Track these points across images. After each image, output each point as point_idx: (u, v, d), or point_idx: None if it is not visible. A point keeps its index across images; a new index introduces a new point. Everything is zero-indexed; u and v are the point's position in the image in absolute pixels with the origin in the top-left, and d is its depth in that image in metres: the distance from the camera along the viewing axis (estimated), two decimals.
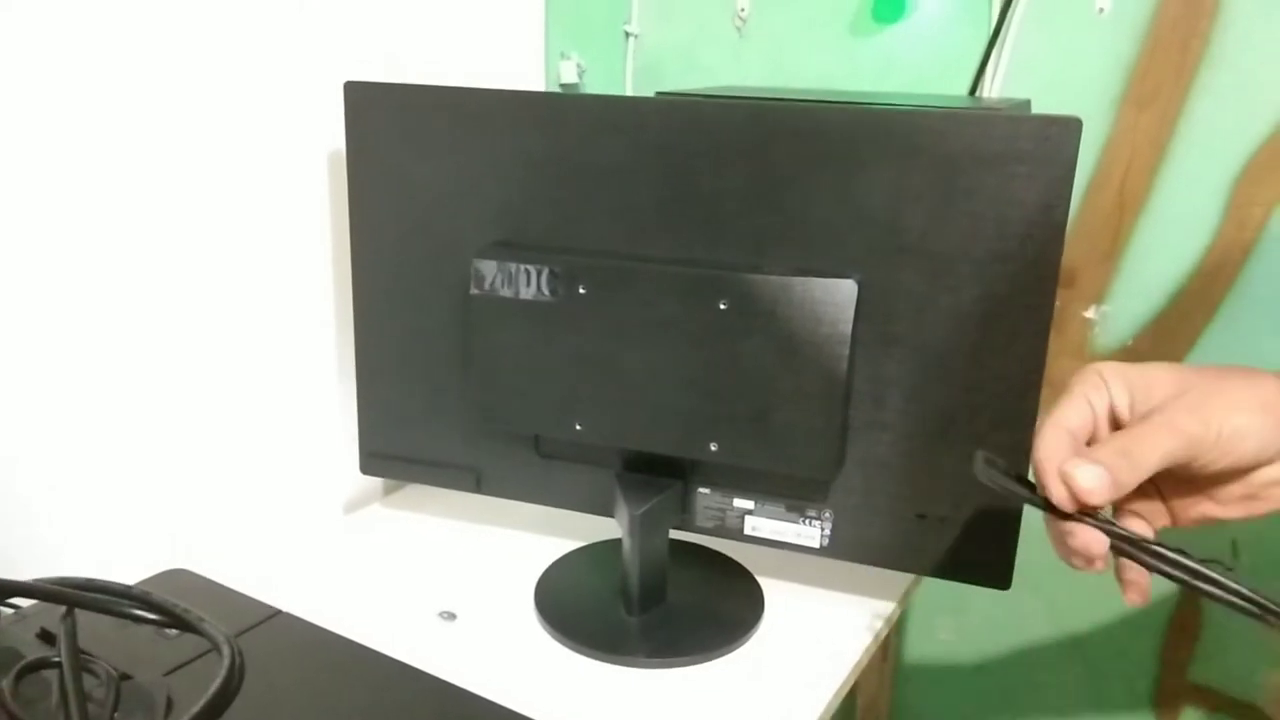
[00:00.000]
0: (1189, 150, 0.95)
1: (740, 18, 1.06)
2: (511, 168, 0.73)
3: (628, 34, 1.11)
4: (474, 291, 0.73)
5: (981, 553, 0.70)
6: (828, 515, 0.72)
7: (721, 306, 0.68)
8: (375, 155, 0.77)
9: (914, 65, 1.00)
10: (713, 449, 0.70)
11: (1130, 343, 1.01)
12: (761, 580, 0.82)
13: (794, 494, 0.73)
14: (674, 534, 0.77)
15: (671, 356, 0.69)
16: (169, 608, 0.45)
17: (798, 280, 0.66)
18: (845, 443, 0.70)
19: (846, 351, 0.66)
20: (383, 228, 0.78)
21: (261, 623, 0.55)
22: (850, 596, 0.80)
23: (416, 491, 0.97)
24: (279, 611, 0.57)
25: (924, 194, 0.65)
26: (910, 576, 0.83)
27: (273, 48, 0.79)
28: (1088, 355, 1.03)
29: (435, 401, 0.80)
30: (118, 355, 0.73)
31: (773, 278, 0.66)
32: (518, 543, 0.87)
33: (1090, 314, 1.03)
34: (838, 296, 0.66)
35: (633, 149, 0.70)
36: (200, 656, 0.50)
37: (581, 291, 0.70)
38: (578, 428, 0.73)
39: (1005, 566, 0.69)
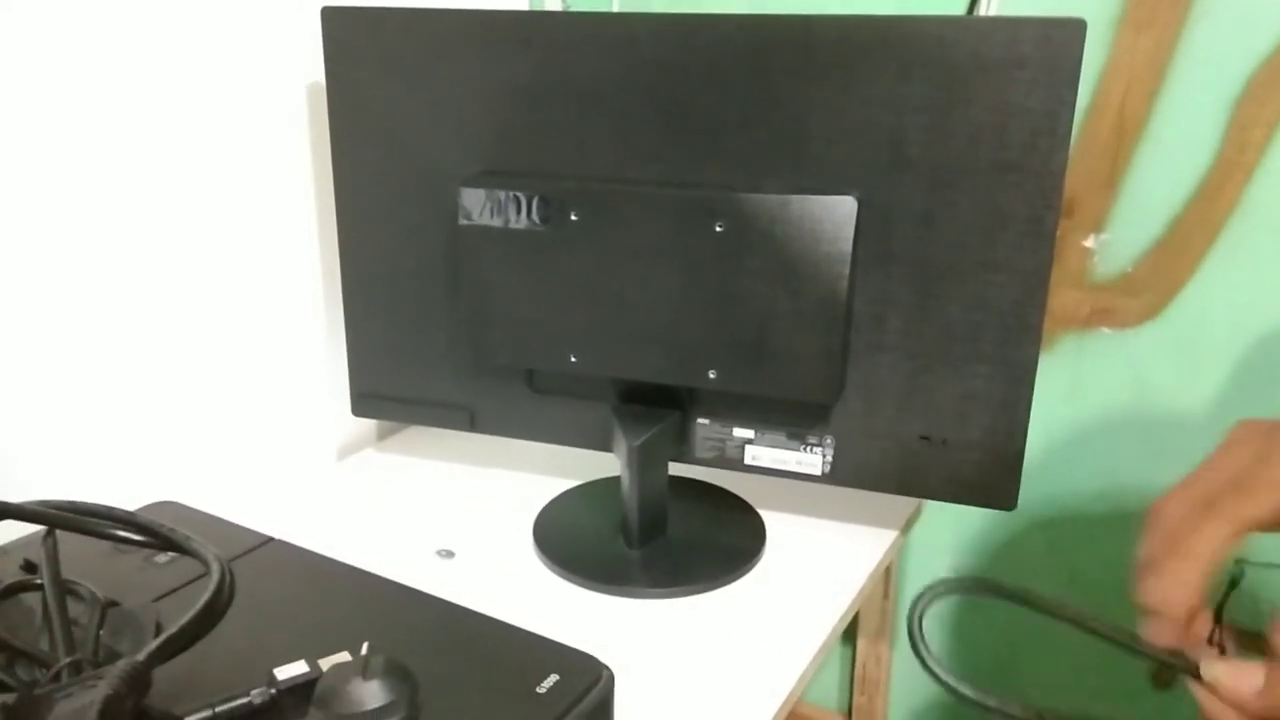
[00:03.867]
0: (1188, 72, 0.93)
1: None
2: (497, 92, 0.71)
3: None
4: (461, 222, 0.71)
5: (985, 474, 0.68)
6: (829, 442, 0.71)
7: (718, 228, 0.66)
8: (356, 85, 0.74)
9: None
10: (711, 377, 0.69)
11: (1130, 270, 1.00)
12: (763, 513, 0.81)
13: (794, 421, 0.71)
14: (673, 469, 0.76)
15: (667, 282, 0.68)
16: (155, 528, 0.43)
17: (795, 199, 0.64)
18: (846, 366, 0.69)
19: (846, 271, 0.65)
20: (366, 161, 0.76)
21: (254, 549, 0.53)
22: (852, 525, 0.79)
23: (411, 435, 0.96)
24: (271, 539, 0.55)
25: (923, 105, 0.63)
26: (913, 503, 0.82)
27: None
28: (1087, 285, 1.02)
29: (426, 339, 0.78)
30: (105, 301, 0.71)
31: (770, 197, 0.65)
32: (515, 483, 0.86)
33: (1089, 243, 1.01)
34: (837, 214, 0.64)
35: (622, 68, 0.68)
36: (190, 583, 0.48)
37: (573, 218, 0.69)
38: (572, 360, 0.72)
39: (1010, 487, 0.68)
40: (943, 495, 0.70)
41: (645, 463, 0.72)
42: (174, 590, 0.48)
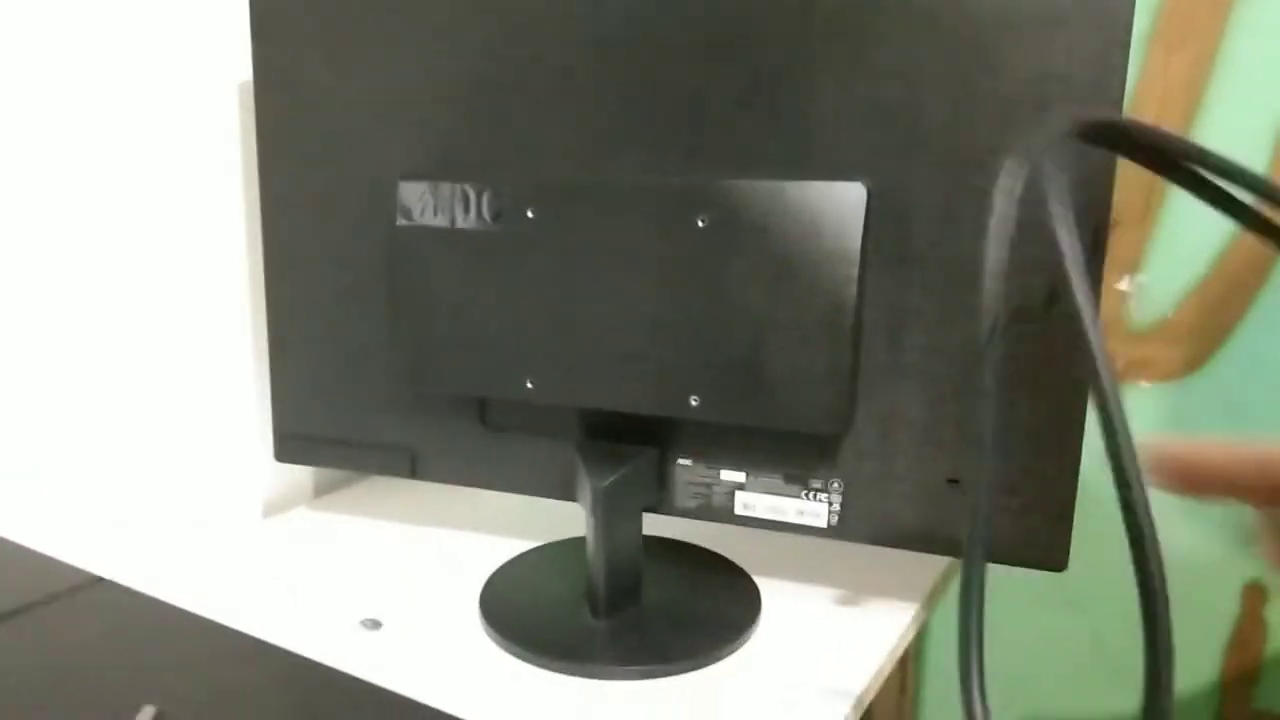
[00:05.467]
0: (1228, 93, 0.84)
1: None
2: (446, 78, 0.61)
3: None
4: (400, 223, 0.60)
5: (1029, 526, 0.56)
6: (836, 486, 0.59)
7: (700, 223, 0.55)
8: (286, 69, 0.65)
9: None
10: (693, 403, 0.57)
11: (1171, 315, 0.89)
12: (758, 580, 0.68)
13: (794, 461, 0.59)
14: (651, 525, 0.64)
15: (640, 290, 0.57)
16: None
17: (792, 185, 0.54)
18: (856, 392, 0.57)
19: (855, 272, 0.54)
20: (296, 158, 0.66)
21: (77, 589, 0.41)
22: (865, 594, 0.66)
23: (352, 493, 0.83)
24: (101, 579, 0.43)
25: (943, 74, 0.53)
26: (938, 566, 0.69)
27: None
28: (1122, 333, 0.91)
29: (361, 369, 0.67)
30: None
31: (762, 183, 0.54)
32: (463, 544, 0.73)
33: (1124, 285, 0.91)
34: (843, 204, 0.53)
35: (590, 43, 0.58)
36: None
37: (530, 216, 0.58)
38: (529, 386, 0.60)
39: (1061, 541, 0.56)
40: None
41: (614, 509, 0.59)
42: None
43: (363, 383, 0.67)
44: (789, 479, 0.60)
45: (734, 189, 0.54)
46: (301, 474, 0.79)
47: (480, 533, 0.75)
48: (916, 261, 0.55)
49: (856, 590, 0.67)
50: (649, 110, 0.58)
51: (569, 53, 0.58)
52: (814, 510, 0.60)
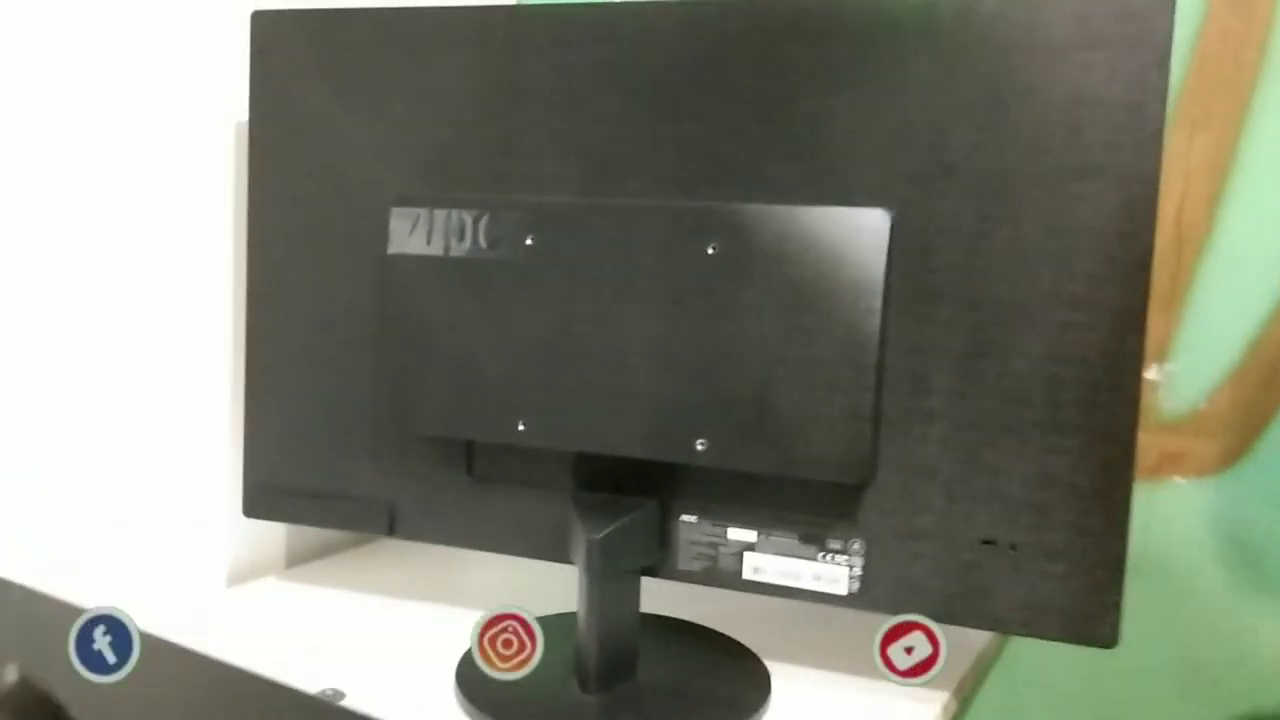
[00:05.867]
0: (1253, 174, 0.82)
1: None
2: (446, 106, 0.59)
3: None
4: (391, 251, 0.57)
5: (1072, 593, 0.50)
6: (857, 547, 0.53)
7: (710, 250, 0.51)
8: (283, 101, 0.62)
9: None
10: (699, 448, 0.52)
11: (1203, 405, 0.84)
12: (768, 663, 0.61)
13: (810, 518, 0.54)
14: (648, 601, 0.58)
15: (643, 322, 0.53)
16: None
17: (810, 210, 0.50)
18: (878, 439, 0.52)
19: (878, 304, 0.49)
20: (284, 198, 0.63)
21: None
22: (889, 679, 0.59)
23: (327, 565, 0.77)
24: None
25: (972, 97, 0.50)
26: (972, 646, 0.62)
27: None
28: (1153, 425, 0.86)
29: (340, 414, 0.62)
30: None
31: (776, 208, 0.51)
32: (443, 615, 0.67)
33: (1152, 375, 0.86)
34: (865, 231, 0.50)
35: (596, 68, 0.56)
36: None
37: (529, 243, 0.54)
38: (520, 428, 0.55)
39: (1108, 612, 0.50)
40: (1012, 625, 0.51)
41: (609, 566, 0.53)
42: None
43: (342, 429, 0.62)
44: (805, 538, 0.54)
45: (746, 213, 0.51)
46: (272, 541, 0.73)
47: (461, 606, 0.68)
48: (943, 297, 0.51)
49: (878, 676, 0.60)
50: (657, 133, 0.55)
51: (573, 78, 0.56)
52: (832, 575, 0.54)
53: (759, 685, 0.57)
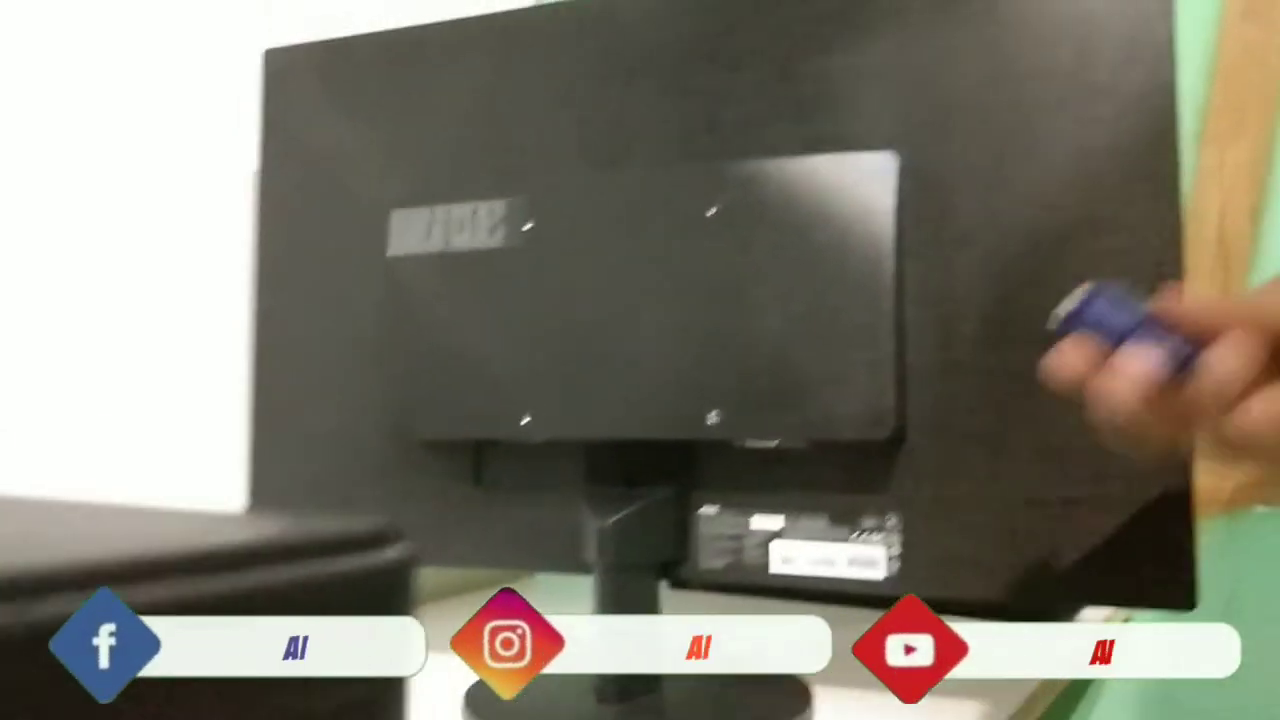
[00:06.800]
0: None
1: None
2: (454, 124, 0.59)
3: None
4: (392, 253, 0.56)
5: (1135, 551, 0.44)
6: (893, 522, 0.48)
7: (710, 212, 0.49)
8: (293, 133, 0.63)
9: None
10: (712, 421, 0.49)
11: None
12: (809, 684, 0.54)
13: (839, 495, 0.49)
14: (669, 606, 0.53)
15: (645, 295, 0.50)
16: None
17: (811, 160, 0.48)
18: (904, 397, 0.48)
19: (890, 248, 0.47)
20: (295, 220, 0.63)
21: None
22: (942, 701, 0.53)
23: None
24: None
25: (972, 32, 0.48)
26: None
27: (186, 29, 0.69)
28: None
29: (346, 438, 0.59)
30: None
31: (775, 161, 0.49)
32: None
33: None
34: (870, 177, 0.48)
35: (598, 55, 0.55)
36: None
37: (528, 228, 0.53)
38: (526, 420, 0.52)
39: (1180, 570, 0.44)
40: (1070, 594, 0.45)
41: (624, 556, 0.49)
42: None
43: (346, 451, 0.59)
44: (835, 520, 0.49)
45: (745, 169, 0.49)
46: None
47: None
48: (964, 242, 0.48)
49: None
50: (661, 111, 0.54)
51: (579, 69, 0.56)
52: (869, 556, 0.49)
53: (798, 699, 0.51)
